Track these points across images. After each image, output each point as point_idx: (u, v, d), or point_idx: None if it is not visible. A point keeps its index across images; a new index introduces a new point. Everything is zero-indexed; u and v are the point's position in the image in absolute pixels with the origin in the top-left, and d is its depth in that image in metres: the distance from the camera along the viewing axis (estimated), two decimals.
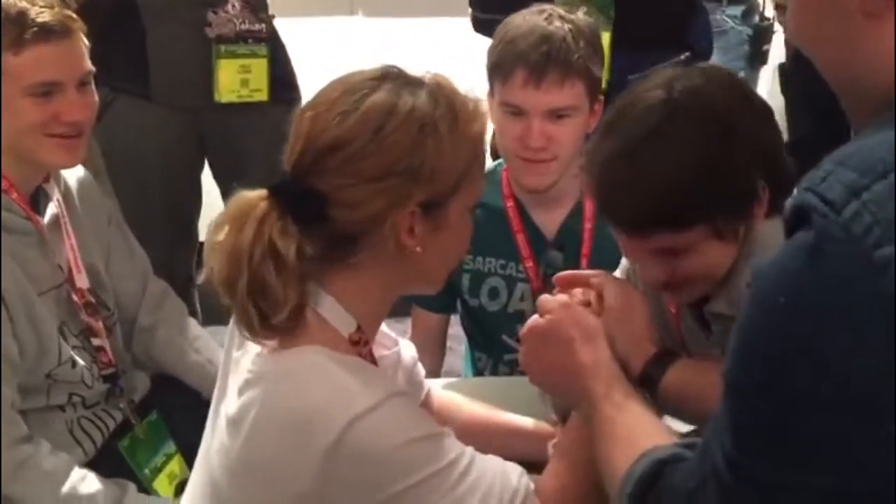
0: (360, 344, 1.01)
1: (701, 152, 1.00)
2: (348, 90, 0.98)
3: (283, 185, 0.97)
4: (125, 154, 2.04)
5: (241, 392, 0.98)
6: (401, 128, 0.96)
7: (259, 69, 1.99)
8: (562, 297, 1.06)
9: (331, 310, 0.99)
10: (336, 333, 0.99)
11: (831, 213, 0.53)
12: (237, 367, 1.02)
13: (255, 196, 0.97)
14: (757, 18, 2.90)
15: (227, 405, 1.00)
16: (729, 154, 1.01)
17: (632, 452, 0.83)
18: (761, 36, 2.85)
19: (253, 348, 1.00)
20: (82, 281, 1.48)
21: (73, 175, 1.55)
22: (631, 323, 1.06)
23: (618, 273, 1.27)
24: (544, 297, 1.07)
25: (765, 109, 1.08)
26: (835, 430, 0.54)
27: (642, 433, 0.88)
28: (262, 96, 1.99)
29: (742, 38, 2.86)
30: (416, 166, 0.96)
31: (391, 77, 0.99)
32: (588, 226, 1.64)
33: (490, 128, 1.65)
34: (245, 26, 1.98)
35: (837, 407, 0.53)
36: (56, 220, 1.48)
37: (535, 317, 1.07)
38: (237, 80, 1.98)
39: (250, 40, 1.99)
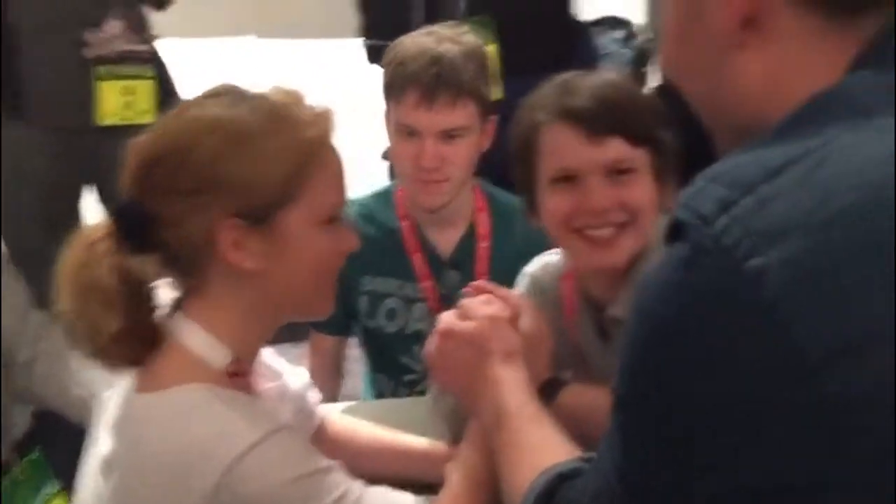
0: (239, 376, 0.98)
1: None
2: (174, 110, 0.98)
3: (116, 211, 0.96)
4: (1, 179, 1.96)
5: (113, 433, 0.94)
6: (211, 139, 0.94)
7: (145, 91, 1.95)
8: (492, 309, 1.06)
9: (201, 342, 0.97)
10: (210, 367, 0.96)
11: (704, 226, 0.55)
12: (108, 406, 0.98)
13: (98, 224, 0.96)
14: (638, 41, 3.01)
15: (99, 446, 0.96)
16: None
17: (537, 467, 0.83)
18: (641, 58, 2.97)
19: (125, 388, 0.97)
20: None
21: None
22: (536, 350, 1.07)
23: (521, 288, 1.29)
24: (471, 303, 1.07)
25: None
26: (719, 439, 0.56)
27: (549, 449, 0.88)
28: (149, 118, 1.94)
29: (624, 59, 2.96)
30: (227, 177, 0.94)
31: (222, 94, 0.99)
32: (483, 245, 1.66)
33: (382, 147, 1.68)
34: (127, 47, 1.93)
35: (719, 414, 0.55)
36: None
37: (452, 316, 1.06)
38: (121, 102, 1.92)
39: (134, 61, 1.94)
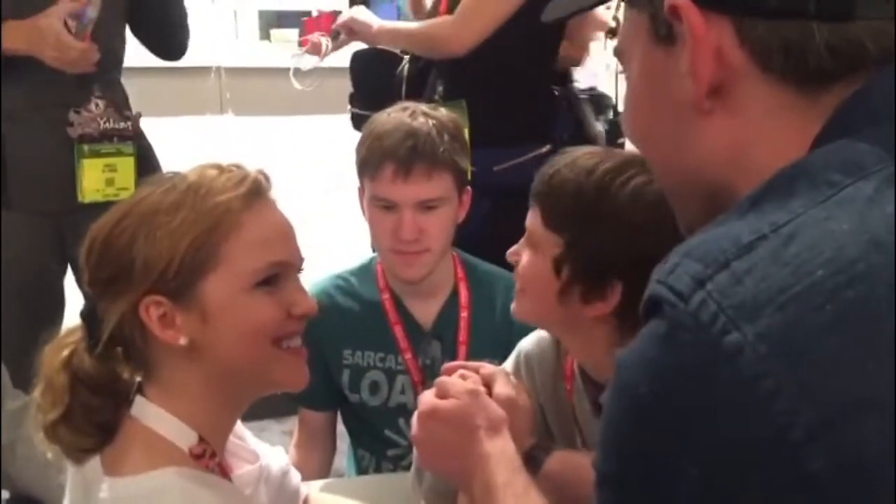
0: (206, 457, 0.97)
1: (617, 210, 1.09)
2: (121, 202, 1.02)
3: (81, 311, 1.00)
4: None
5: None
6: (124, 223, 0.96)
7: (125, 167, 1.95)
8: (469, 384, 1.05)
9: (162, 422, 0.96)
10: (174, 448, 0.95)
11: (680, 302, 0.55)
12: (75, 490, 0.98)
13: (74, 326, 1.00)
14: (611, 114, 3.06)
15: None
16: (624, 238, 1.08)
17: None
18: (615, 131, 3.01)
19: (91, 471, 0.96)
20: None
21: None
22: (515, 416, 1.06)
23: (508, 366, 1.29)
24: (448, 380, 1.06)
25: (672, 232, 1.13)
26: None
27: None
28: (129, 195, 1.95)
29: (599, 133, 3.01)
30: (138, 257, 0.95)
31: (154, 181, 1.00)
32: (464, 314, 1.66)
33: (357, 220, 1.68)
34: (109, 125, 1.94)
35: (700, 492, 0.54)
36: None
37: (432, 396, 1.05)
38: (102, 179, 1.93)
39: (115, 139, 1.95)
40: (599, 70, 3.16)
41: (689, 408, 0.54)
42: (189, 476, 0.92)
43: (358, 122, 2.11)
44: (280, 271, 0.99)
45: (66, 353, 0.94)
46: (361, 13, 2.17)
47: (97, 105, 1.93)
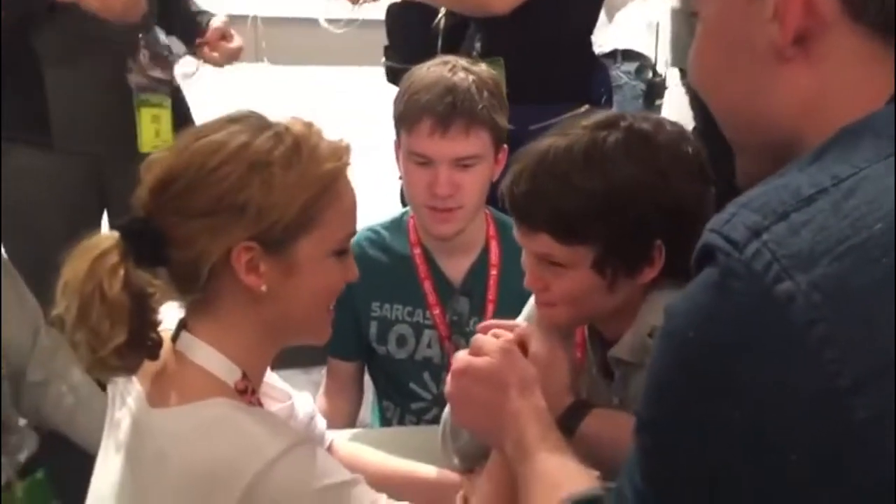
0: (248, 393, 1.00)
1: (616, 183, 1.04)
2: (193, 132, 1.00)
3: (126, 225, 0.97)
4: (23, 203, 1.96)
5: (128, 452, 0.95)
6: (227, 164, 0.96)
7: (166, 119, 1.97)
8: (502, 342, 1.06)
9: (210, 358, 0.99)
10: (220, 382, 0.98)
11: (734, 251, 0.55)
12: (118, 427, 0.99)
13: (104, 236, 0.97)
14: (650, 74, 3.02)
15: (110, 468, 0.96)
16: (639, 199, 1.04)
17: (557, 497, 0.83)
18: (654, 91, 2.98)
19: (137, 405, 0.97)
20: None
21: None
22: (552, 374, 1.07)
23: (521, 318, 1.29)
24: (482, 338, 1.07)
25: (702, 176, 1.09)
26: (746, 464, 0.55)
27: (575, 478, 0.88)
28: (162, 146, 1.97)
29: (636, 92, 2.98)
30: (242, 202, 0.96)
31: (241, 120, 1.00)
32: (494, 272, 1.66)
33: (396, 176, 1.68)
34: (157, 75, 1.95)
35: (746, 439, 0.55)
36: None
37: (465, 354, 1.06)
38: (152, 130, 1.94)
39: (159, 90, 1.96)
40: (640, 28, 3.11)
41: (738, 353, 0.55)
42: (236, 406, 0.95)
43: (393, 75, 2.10)
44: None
45: (120, 273, 0.93)
46: None
47: (144, 55, 1.94)
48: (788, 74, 0.62)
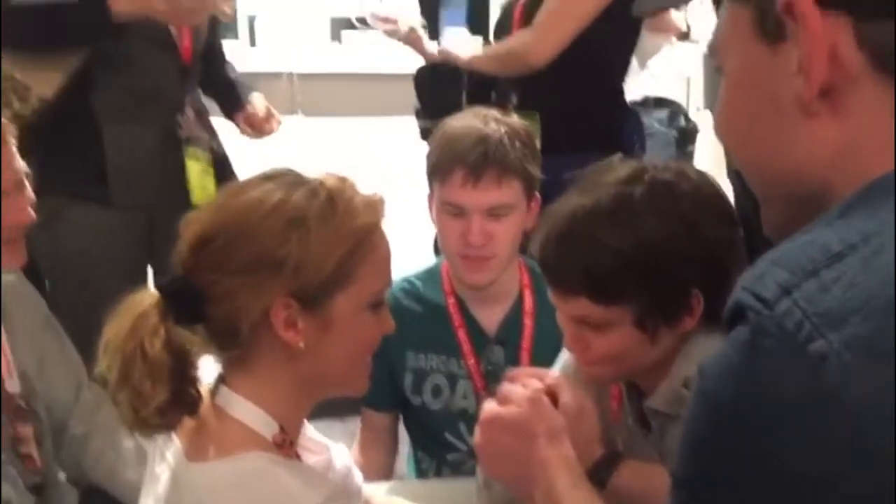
0: (285, 446, 1.00)
1: (646, 238, 1.04)
2: (231, 189, 1.02)
3: (166, 284, 0.99)
4: (75, 257, 1.99)
5: None
6: (266, 221, 0.97)
7: (209, 173, 2.01)
8: (530, 391, 1.05)
9: (248, 412, 0.99)
10: (258, 436, 0.98)
11: (765, 309, 0.55)
12: (157, 482, 1.00)
13: (145, 294, 0.98)
14: (682, 121, 3.02)
15: None
16: (671, 251, 1.04)
17: None
18: (686, 137, 2.97)
19: (176, 460, 0.98)
20: (12, 386, 1.43)
21: (6, 276, 1.52)
22: (583, 425, 1.06)
23: (557, 367, 1.28)
24: (509, 388, 1.07)
25: (729, 220, 1.09)
26: None
27: None
28: (210, 198, 1.99)
29: (669, 139, 2.97)
30: (281, 259, 0.96)
31: (277, 178, 1.02)
32: (528, 321, 1.66)
33: (430, 227, 1.70)
34: (197, 132, 2.01)
35: (782, 497, 0.54)
36: None
37: (494, 405, 1.06)
38: (199, 182, 1.98)
39: (201, 143, 2.01)
40: (670, 75, 3.12)
41: (771, 413, 0.54)
42: (274, 460, 0.96)
43: (426, 134, 2.14)
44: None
45: (161, 332, 0.95)
46: (451, 42, 2.21)
47: (189, 112, 1.99)
48: (814, 128, 0.62)
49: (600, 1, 1.97)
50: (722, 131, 0.70)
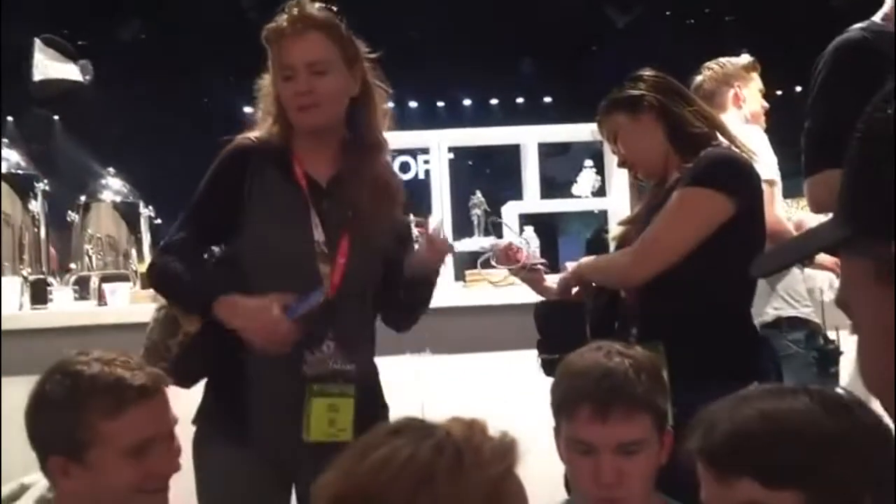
0: None
1: (819, 429, 1.03)
2: (358, 448, 1.00)
3: None
4: (215, 498, 2.00)
5: None
6: (393, 480, 0.94)
7: (346, 408, 1.95)
8: None
9: None
10: None
11: None
12: None
13: None
14: (821, 341, 2.88)
15: None
16: (852, 452, 1.02)
17: None
18: (828, 358, 2.82)
19: None
20: None
21: None
22: None
23: None
24: None
25: (879, 431, 1.06)
26: None
27: None
28: (347, 436, 1.90)
29: (808, 360, 2.83)
30: None
31: (405, 429, 1.00)
32: None
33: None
34: (337, 366, 1.96)
35: None
36: None
37: None
38: (325, 419, 1.95)
39: (340, 380, 1.97)
40: (802, 293, 3.03)
41: None
42: None
43: (548, 367, 2.11)
44: None
45: None
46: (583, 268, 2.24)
47: (328, 346, 1.96)
48: None
49: (699, 234, 1.96)
50: (870, 384, 0.69)
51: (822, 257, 2.66)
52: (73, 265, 3.72)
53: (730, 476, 1.05)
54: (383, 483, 0.95)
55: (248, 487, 1.99)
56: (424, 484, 0.94)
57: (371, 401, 2.03)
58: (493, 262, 2.36)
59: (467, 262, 3.44)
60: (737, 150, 2.10)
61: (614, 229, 2.48)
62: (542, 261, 2.33)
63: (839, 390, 1.15)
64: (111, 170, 4.00)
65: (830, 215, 0.70)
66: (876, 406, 1.08)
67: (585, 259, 2.26)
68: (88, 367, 1.44)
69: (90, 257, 3.70)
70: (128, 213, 3.84)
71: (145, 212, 3.86)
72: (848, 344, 2.78)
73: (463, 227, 3.79)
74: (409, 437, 0.99)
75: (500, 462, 0.98)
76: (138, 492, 1.42)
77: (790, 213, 3.20)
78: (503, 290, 2.93)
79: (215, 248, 2.05)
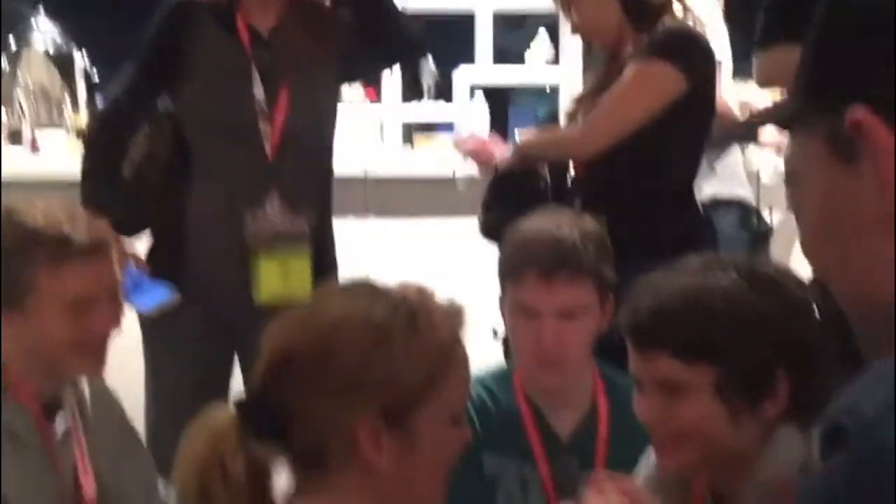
0: None
1: (740, 310, 1.07)
2: (313, 305, 1.01)
3: (245, 401, 0.98)
4: (161, 361, 2.01)
5: None
6: (350, 338, 0.96)
7: (300, 267, 1.93)
8: (615, 501, 1.05)
9: None
10: None
11: (865, 432, 0.53)
12: None
13: (223, 414, 0.97)
14: (755, 222, 2.95)
15: None
16: (766, 325, 1.06)
17: None
18: (759, 240, 2.88)
19: None
20: (90, 491, 1.44)
21: (88, 381, 1.54)
22: None
23: (639, 473, 1.25)
24: (593, 498, 1.06)
25: (801, 306, 1.11)
26: None
27: None
28: (304, 293, 1.86)
29: (742, 244, 2.89)
30: (371, 377, 0.95)
31: (358, 289, 1.01)
32: (603, 428, 1.62)
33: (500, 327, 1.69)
34: (284, 227, 1.93)
35: None
36: (68, 430, 1.46)
37: None
38: (277, 279, 1.92)
39: (288, 239, 1.94)
40: (739, 175, 3.09)
41: None
42: None
43: (488, 230, 2.11)
44: None
45: (239, 455, 0.94)
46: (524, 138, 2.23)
47: (273, 206, 1.92)
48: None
49: (652, 109, 1.95)
50: (810, 257, 0.69)
51: (766, 136, 2.70)
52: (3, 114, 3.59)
53: (650, 351, 1.10)
54: (339, 340, 0.96)
55: (191, 351, 1.99)
56: (380, 343, 0.96)
57: (320, 258, 2.00)
58: (462, 157, 2.29)
59: (416, 127, 3.42)
60: (690, 24, 2.08)
61: (567, 106, 2.45)
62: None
63: (772, 265, 1.17)
64: (41, 7, 3.80)
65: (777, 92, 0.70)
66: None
67: (533, 133, 2.26)
68: (32, 219, 1.40)
69: (22, 106, 3.57)
70: (61, 62, 3.69)
71: (80, 61, 3.71)
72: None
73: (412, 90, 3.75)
74: (363, 297, 1.00)
75: (451, 326, 1.01)
76: (76, 347, 1.41)
77: (738, 94, 3.22)
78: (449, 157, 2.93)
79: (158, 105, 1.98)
